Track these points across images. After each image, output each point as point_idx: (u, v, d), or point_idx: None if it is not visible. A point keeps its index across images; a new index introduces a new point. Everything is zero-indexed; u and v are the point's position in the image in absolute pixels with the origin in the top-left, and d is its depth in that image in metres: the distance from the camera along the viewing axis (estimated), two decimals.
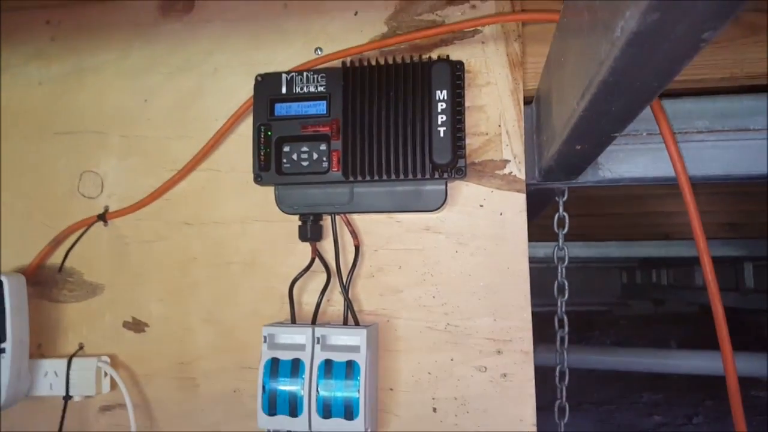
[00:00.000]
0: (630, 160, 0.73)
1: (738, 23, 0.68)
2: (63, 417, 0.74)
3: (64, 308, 0.80)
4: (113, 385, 0.76)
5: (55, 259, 0.80)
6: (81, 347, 0.78)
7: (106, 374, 0.76)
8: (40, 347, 0.79)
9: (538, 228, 0.73)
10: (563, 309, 0.88)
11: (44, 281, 0.80)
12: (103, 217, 0.78)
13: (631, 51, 0.34)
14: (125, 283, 0.78)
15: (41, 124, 0.82)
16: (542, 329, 0.70)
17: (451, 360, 0.70)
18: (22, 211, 0.82)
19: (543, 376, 0.71)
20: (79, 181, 0.80)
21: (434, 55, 0.71)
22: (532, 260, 0.71)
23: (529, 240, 0.71)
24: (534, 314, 0.70)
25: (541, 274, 0.69)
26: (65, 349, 0.79)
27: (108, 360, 0.77)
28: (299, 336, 0.68)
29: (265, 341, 0.68)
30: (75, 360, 0.76)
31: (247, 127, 0.76)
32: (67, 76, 0.82)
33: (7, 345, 0.71)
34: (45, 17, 0.83)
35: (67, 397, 0.75)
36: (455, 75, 0.66)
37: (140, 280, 0.78)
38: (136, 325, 0.78)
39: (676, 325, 3.80)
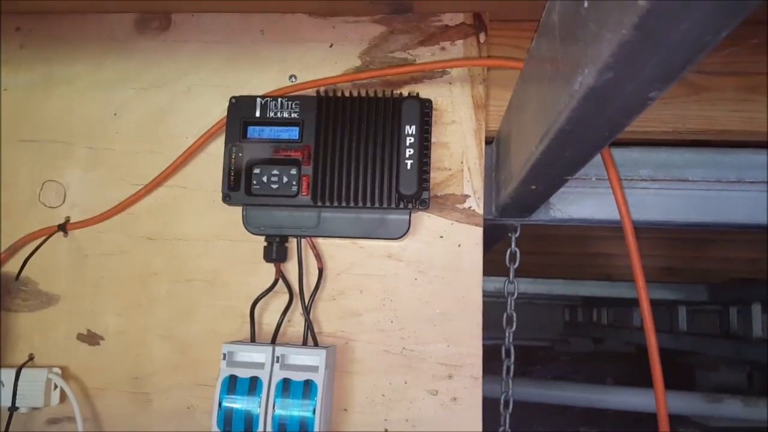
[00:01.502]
0: (579, 202, 0.79)
1: (682, 83, 0.75)
2: (7, 429, 0.71)
3: (16, 317, 0.78)
4: (63, 397, 0.75)
5: (10, 267, 0.78)
6: (31, 358, 0.76)
7: (56, 386, 0.74)
8: None
9: (488, 263, 0.77)
10: (510, 339, 0.92)
11: None
12: (63, 228, 0.77)
13: (588, 104, 0.38)
14: (82, 295, 0.77)
15: (4, 130, 0.81)
16: (487, 362, 0.73)
17: (405, 383, 0.72)
18: None
19: (485, 408, 0.73)
20: (40, 190, 0.79)
21: (404, 92, 0.75)
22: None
23: None
24: None
25: (488, 307, 0.73)
26: (14, 359, 0.76)
27: (59, 371, 0.75)
28: (258, 354, 0.69)
29: (224, 358, 0.69)
30: (24, 370, 0.73)
31: (216, 147, 0.77)
32: (35, 84, 0.82)
33: None
34: (15, 24, 0.83)
35: (13, 409, 0.73)
36: (424, 112, 0.70)
37: (98, 292, 0.77)
38: (91, 338, 0.77)
39: (613, 364, 3.93)
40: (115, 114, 0.80)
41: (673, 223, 0.79)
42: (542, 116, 0.48)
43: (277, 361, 0.68)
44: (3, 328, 0.77)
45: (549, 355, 4.21)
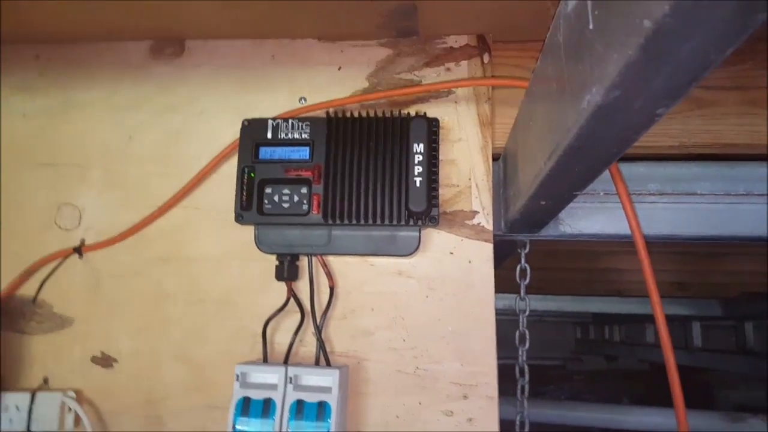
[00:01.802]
0: (588, 217, 0.79)
1: (686, 98, 0.76)
2: None
3: (30, 340, 0.79)
4: (77, 421, 0.75)
5: (26, 290, 0.79)
6: (45, 381, 0.77)
7: (70, 410, 0.75)
8: (1, 380, 0.77)
9: (496, 279, 0.77)
10: (524, 358, 0.91)
11: (12, 312, 0.79)
12: (78, 250, 0.78)
13: (596, 120, 0.39)
14: (96, 317, 0.78)
15: (22, 155, 0.83)
16: (498, 382, 0.73)
17: (419, 404, 0.72)
18: None
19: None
20: (56, 213, 0.81)
21: (411, 111, 0.76)
22: None
23: None
24: None
25: (498, 325, 0.73)
26: (29, 382, 0.77)
27: (74, 395, 0.75)
28: (272, 375, 0.69)
29: (237, 380, 0.69)
30: (39, 394, 0.74)
31: (229, 168, 0.78)
32: (53, 109, 0.84)
33: None
34: (35, 52, 0.85)
35: None
36: (432, 130, 0.71)
37: (112, 314, 0.78)
38: (105, 360, 0.77)
39: (627, 382, 3.87)
40: (130, 137, 0.81)
41: (683, 236, 0.79)
42: (550, 133, 0.48)
43: (290, 382, 0.68)
44: (18, 351, 0.78)
45: (562, 375, 4.16)
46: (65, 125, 0.83)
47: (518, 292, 0.90)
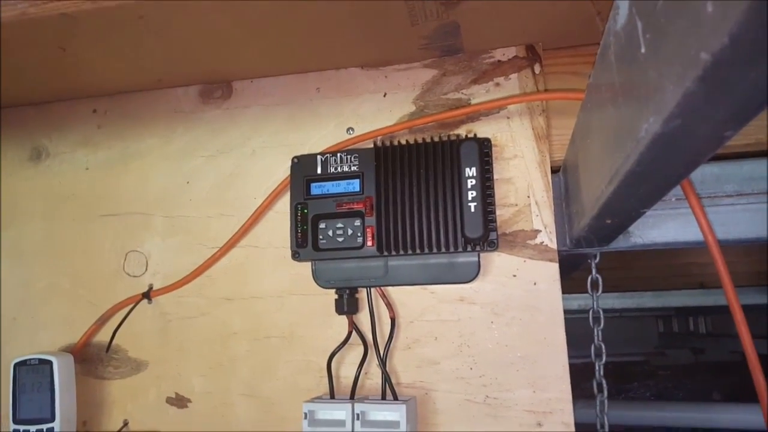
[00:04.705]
0: (660, 226, 0.74)
1: None
2: None
3: (109, 385, 0.82)
4: None
5: (101, 336, 0.83)
6: (126, 423, 0.80)
7: None
8: (85, 424, 0.81)
9: (571, 280, 0.73)
10: (601, 373, 0.87)
11: (90, 358, 0.83)
12: (147, 295, 0.81)
13: (656, 148, 0.35)
14: (168, 359, 0.81)
15: (88, 207, 0.87)
16: (578, 382, 0.69)
17: None
18: (69, 290, 0.85)
19: None
20: (124, 261, 0.84)
21: (461, 131, 0.74)
22: (566, 312, 0.71)
23: (562, 292, 0.71)
24: (569, 366, 0.70)
25: (574, 324, 0.69)
26: (110, 425, 0.81)
27: None
28: (339, 412, 0.68)
29: (305, 418, 0.69)
30: None
31: (283, 205, 0.79)
32: (113, 161, 0.87)
33: (55, 425, 0.74)
34: (92, 106, 0.89)
35: None
36: (483, 152, 0.69)
37: (183, 355, 0.80)
38: (179, 401, 0.79)
39: (718, 375, 3.65)
40: (188, 182, 0.83)
41: (766, 239, 0.73)
42: (608, 156, 0.45)
43: (358, 419, 0.67)
44: (98, 395, 0.81)
45: (645, 371, 3.96)
46: (126, 176, 0.86)
47: (589, 292, 0.85)
